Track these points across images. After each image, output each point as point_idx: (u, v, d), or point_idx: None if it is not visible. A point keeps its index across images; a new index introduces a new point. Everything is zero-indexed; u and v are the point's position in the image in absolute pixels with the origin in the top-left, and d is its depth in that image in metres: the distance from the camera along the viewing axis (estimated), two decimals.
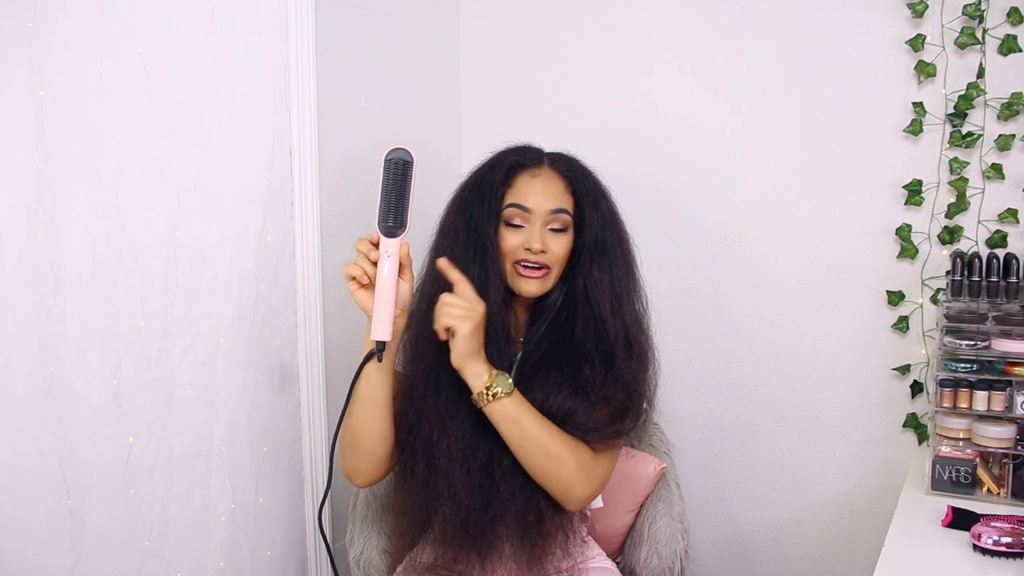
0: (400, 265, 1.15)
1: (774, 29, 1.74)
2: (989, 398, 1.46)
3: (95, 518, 1.18)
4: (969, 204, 1.61)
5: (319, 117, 1.53)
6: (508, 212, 1.26)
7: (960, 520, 1.31)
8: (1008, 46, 1.54)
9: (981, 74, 1.57)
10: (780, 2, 1.73)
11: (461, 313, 1.15)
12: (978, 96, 1.57)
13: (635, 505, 1.54)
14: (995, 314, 1.50)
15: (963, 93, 1.58)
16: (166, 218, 1.26)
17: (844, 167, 1.70)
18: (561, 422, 1.21)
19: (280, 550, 1.51)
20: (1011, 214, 1.57)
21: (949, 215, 1.62)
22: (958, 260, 1.54)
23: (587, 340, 1.24)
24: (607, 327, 1.24)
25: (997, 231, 1.59)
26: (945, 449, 1.48)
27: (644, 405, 1.28)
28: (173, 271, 1.27)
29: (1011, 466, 1.45)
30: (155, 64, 1.22)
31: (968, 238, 1.62)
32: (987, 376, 1.47)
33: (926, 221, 1.65)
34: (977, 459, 1.46)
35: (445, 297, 1.16)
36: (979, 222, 1.61)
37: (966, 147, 1.60)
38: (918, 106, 1.62)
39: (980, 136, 1.58)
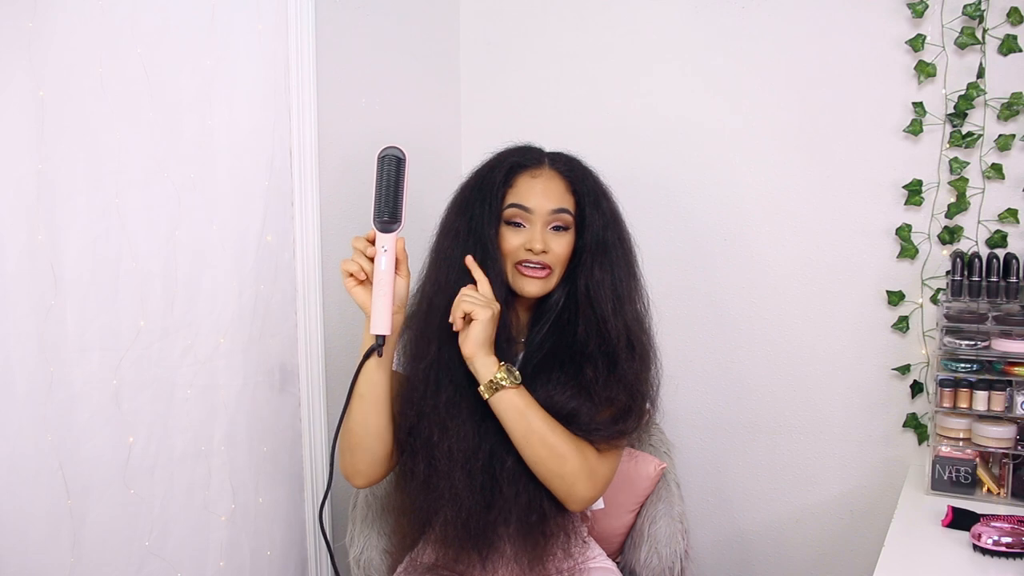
0: (396, 261, 1.16)
1: (774, 29, 1.74)
2: (989, 398, 1.46)
3: (95, 518, 1.18)
4: (969, 204, 1.61)
5: (319, 117, 1.53)
6: (509, 212, 1.26)
7: (960, 520, 1.31)
8: (1008, 46, 1.54)
9: (981, 74, 1.57)
10: (780, 2, 1.73)
11: (482, 302, 1.17)
12: (978, 96, 1.57)
13: (635, 505, 1.54)
14: (995, 314, 1.50)
15: (963, 93, 1.58)
16: (166, 218, 1.26)
17: (844, 167, 1.70)
18: (565, 422, 1.21)
19: (280, 550, 1.51)
20: (1011, 214, 1.57)
21: (949, 215, 1.62)
22: (958, 260, 1.54)
23: (589, 341, 1.24)
24: (609, 327, 1.24)
25: (997, 231, 1.59)
26: (945, 449, 1.48)
27: (647, 405, 1.28)
28: (173, 271, 1.27)
29: (1011, 466, 1.45)
30: (155, 64, 1.22)
31: (968, 238, 1.62)
32: (987, 376, 1.47)
33: (926, 221, 1.65)
34: (977, 459, 1.46)
35: (466, 288, 1.19)
36: (979, 222, 1.61)
37: (966, 147, 1.60)
38: (918, 106, 1.62)
39: (980, 136, 1.58)
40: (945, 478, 1.46)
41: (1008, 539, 1.20)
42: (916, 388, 1.68)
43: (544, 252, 1.24)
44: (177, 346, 1.29)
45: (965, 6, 1.56)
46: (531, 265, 1.25)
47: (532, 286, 1.26)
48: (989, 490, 1.45)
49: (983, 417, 1.48)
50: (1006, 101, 1.56)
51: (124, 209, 1.19)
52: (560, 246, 1.26)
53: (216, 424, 1.36)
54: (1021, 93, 1.54)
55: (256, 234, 1.42)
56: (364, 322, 1.17)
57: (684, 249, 1.86)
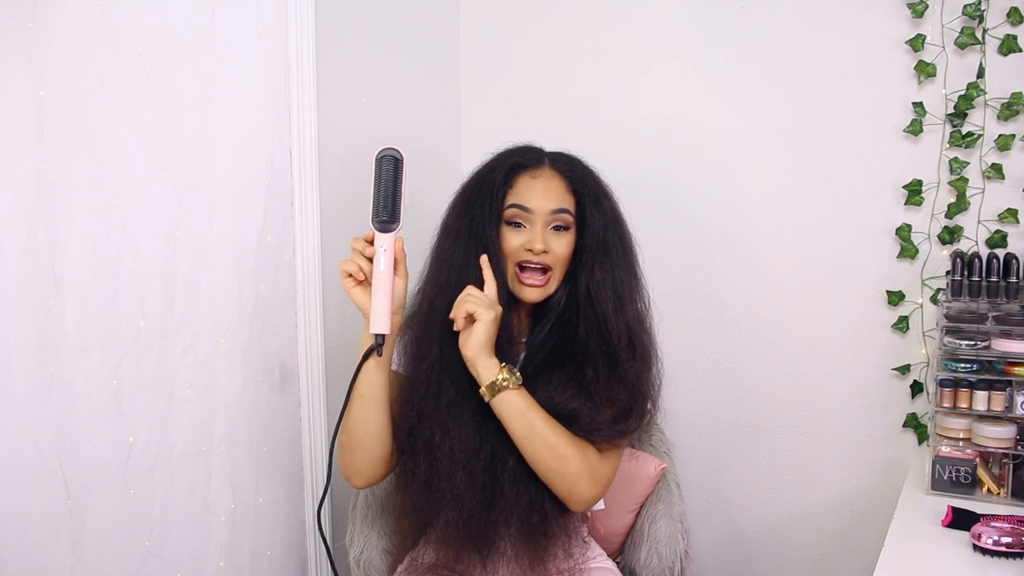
0: (395, 261, 1.16)
1: (774, 29, 1.74)
2: (989, 398, 1.46)
3: (95, 518, 1.18)
4: (969, 204, 1.61)
5: (319, 117, 1.53)
6: (509, 212, 1.26)
7: (960, 520, 1.31)
8: (1008, 46, 1.54)
9: (981, 74, 1.57)
10: (780, 2, 1.73)
11: (486, 303, 1.17)
12: (978, 96, 1.57)
13: (635, 505, 1.54)
14: (995, 314, 1.50)
15: (963, 93, 1.58)
16: (166, 218, 1.26)
17: (844, 167, 1.70)
18: (566, 422, 1.21)
19: (280, 550, 1.51)
20: (1011, 214, 1.57)
21: (949, 215, 1.62)
22: (958, 260, 1.54)
23: (590, 341, 1.24)
24: (610, 327, 1.24)
25: (997, 231, 1.59)
26: (945, 449, 1.48)
27: (648, 405, 1.28)
28: (173, 271, 1.27)
29: (1011, 466, 1.45)
30: (155, 64, 1.22)
31: (968, 238, 1.62)
32: (987, 376, 1.47)
33: (926, 221, 1.65)
34: (977, 459, 1.46)
35: (470, 288, 1.19)
36: (979, 222, 1.61)
37: (966, 147, 1.60)
38: (918, 106, 1.62)
39: (980, 136, 1.58)
40: (945, 478, 1.46)
41: (1008, 539, 1.20)
42: (916, 388, 1.68)
43: (545, 252, 1.24)
44: (177, 346, 1.29)
45: (965, 6, 1.56)
46: (531, 266, 1.25)
47: (532, 294, 1.26)
48: (989, 490, 1.45)
49: (983, 417, 1.48)
50: (1006, 101, 1.56)
51: (124, 209, 1.19)
52: (561, 246, 1.26)
53: (216, 424, 1.36)
54: (1021, 93, 1.54)
55: (256, 234, 1.42)
56: (364, 322, 1.17)
57: (684, 249, 1.86)
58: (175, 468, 1.29)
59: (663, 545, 1.46)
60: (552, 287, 1.28)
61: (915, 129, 1.63)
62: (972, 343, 1.48)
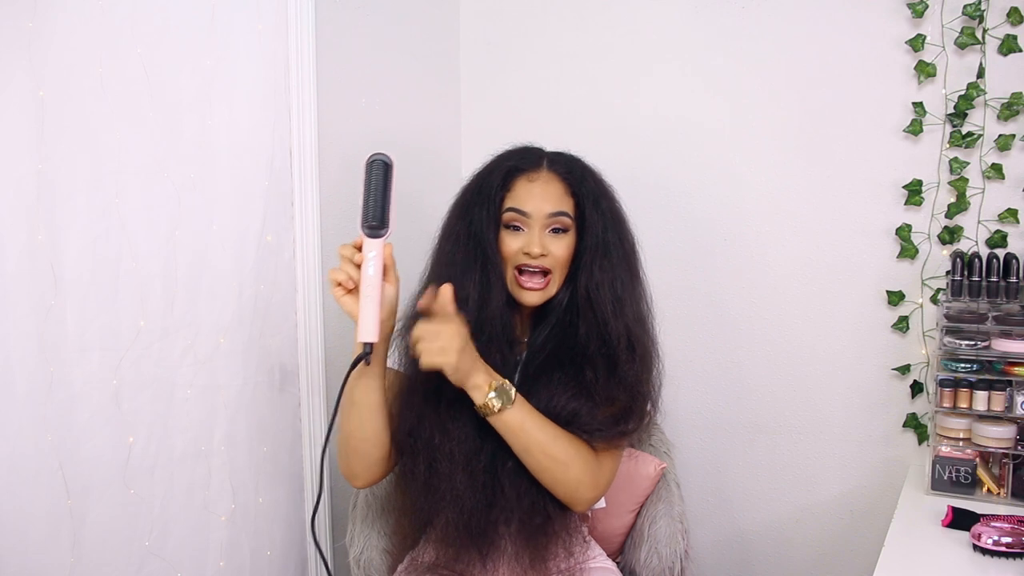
0: (385, 267, 1.13)
1: (774, 29, 1.74)
2: (989, 398, 1.46)
3: (95, 518, 1.18)
4: (969, 204, 1.61)
5: (319, 117, 1.53)
6: (507, 216, 1.26)
7: (960, 520, 1.31)
8: (1008, 46, 1.54)
9: (981, 74, 1.57)
10: (780, 2, 1.73)
11: (438, 347, 1.11)
12: (978, 96, 1.57)
13: (635, 505, 1.54)
14: (995, 314, 1.50)
15: (963, 93, 1.58)
16: (166, 218, 1.26)
17: (844, 167, 1.70)
18: (566, 423, 1.21)
19: (280, 550, 1.51)
20: (1011, 214, 1.57)
21: (949, 215, 1.62)
22: (958, 260, 1.54)
23: (590, 342, 1.24)
24: (610, 329, 1.24)
25: (997, 231, 1.59)
26: (945, 449, 1.48)
27: (648, 406, 1.28)
28: (173, 271, 1.27)
29: (1011, 466, 1.45)
30: (155, 64, 1.22)
31: (968, 238, 1.62)
32: (987, 376, 1.47)
33: (926, 221, 1.65)
34: (977, 459, 1.46)
35: (417, 331, 1.12)
36: (979, 222, 1.61)
37: (966, 147, 1.60)
38: (918, 106, 1.62)
39: (980, 136, 1.58)
40: (945, 478, 1.46)
41: (1008, 539, 1.20)
42: (916, 388, 1.68)
43: (543, 256, 1.24)
44: (177, 346, 1.29)
45: (965, 6, 1.56)
46: (530, 270, 1.25)
47: (531, 297, 1.26)
48: (989, 490, 1.45)
49: (983, 417, 1.47)
50: (1006, 101, 1.56)
51: (124, 209, 1.19)
52: (559, 248, 1.26)
53: (216, 424, 1.36)
54: (1021, 93, 1.54)
55: (256, 234, 1.42)
56: (353, 329, 1.14)
57: (684, 249, 1.86)
58: (175, 468, 1.30)
59: (663, 545, 1.46)
60: (552, 290, 1.27)
61: (915, 129, 1.63)
62: (972, 343, 1.48)
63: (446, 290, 1.16)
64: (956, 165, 1.60)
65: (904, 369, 1.69)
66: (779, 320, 1.79)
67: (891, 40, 1.64)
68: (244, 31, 1.38)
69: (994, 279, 1.51)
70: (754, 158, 1.78)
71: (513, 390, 1.17)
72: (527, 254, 1.24)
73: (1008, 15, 1.54)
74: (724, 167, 1.80)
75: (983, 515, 1.31)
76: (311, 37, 1.51)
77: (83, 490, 1.16)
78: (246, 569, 1.43)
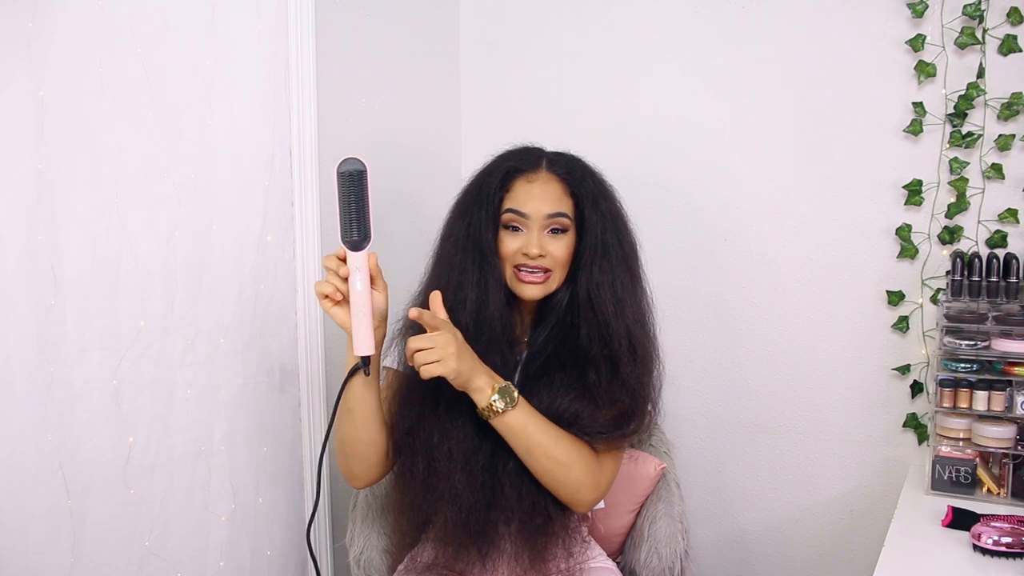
0: (371, 277, 1.12)
1: (774, 29, 1.74)
2: (989, 398, 1.46)
3: (95, 518, 1.18)
4: (969, 204, 1.61)
5: (319, 117, 1.53)
6: (506, 217, 1.26)
7: (960, 520, 1.31)
8: (1008, 46, 1.54)
9: (981, 74, 1.57)
10: (780, 2, 1.73)
11: (435, 356, 1.10)
12: (978, 96, 1.57)
13: (635, 505, 1.54)
14: (995, 314, 1.50)
15: (963, 93, 1.58)
16: (166, 218, 1.26)
17: (844, 167, 1.70)
18: (567, 425, 1.21)
19: (280, 550, 1.51)
20: (1011, 214, 1.57)
21: (949, 215, 1.62)
22: (958, 260, 1.54)
23: (592, 344, 1.24)
24: (611, 330, 1.24)
25: (997, 231, 1.59)
26: (945, 449, 1.48)
27: (648, 407, 1.28)
28: (173, 271, 1.27)
29: (1011, 466, 1.45)
30: (155, 64, 1.22)
31: (968, 238, 1.62)
32: (987, 376, 1.47)
33: (926, 221, 1.65)
34: (977, 459, 1.46)
35: (411, 344, 1.12)
36: (979, 222, 1.61)
37: (966, 147, 1.60)
38: (918, 106, 1.62)
39: (980, 136, 1.58)
40: (945, 478, 1.46)
41: (1008, 539, 1.20)
42: (916, 388, 1.68)
43: (541, 256, 1.24)
44: (177, 346, 1.29)
45: (965, 6, 1.56)
46: (529, 269, 1.25)
47: (531, 291, 1.26)
48: (989, 490, 1.45)
49: (983, 417, 1.47)
50: (1006, 101, 1.55)
51: (124, 209, 1.19)
52: (559, 249, 1.26)
53: (216, 424, 1.36)
54: (1021, 93, 1.54)
55: (256, 234, 1.42)
56: (346, 338, 1.15)
57: (684, 249, 1.86)
58: (175, 468, 1.30)
59: (663, 545, 1.46)
60: (553, 285, 1.27)
61: (915, 129, 1.63)
62: (972, 343, 1.48)
63: (435, 298, 1.16)
64: (956, 165, 1.60)
65: (904, 369, 1.69)
66: (779, 320, 1.79)
67: (891, 40, 1.64)
68: (244, 31, 1.38)
69: (994, 279, 1.51)
70: (754, 158, 1.78)
71: (516, 392, 1.17)
72: (525, 254, 1.24)
73: (1008, 15, 1.54)
74: (724, 167, 1.80)
75: (983, 515, 1.31)
76: (311, 37, 1.51)
77: (83, 490, 1.16)
78: (246, 569, 1.43)
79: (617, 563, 1.47)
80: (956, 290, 1.54)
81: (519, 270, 1.26)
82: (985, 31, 1.56)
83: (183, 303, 1.29)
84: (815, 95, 1.71)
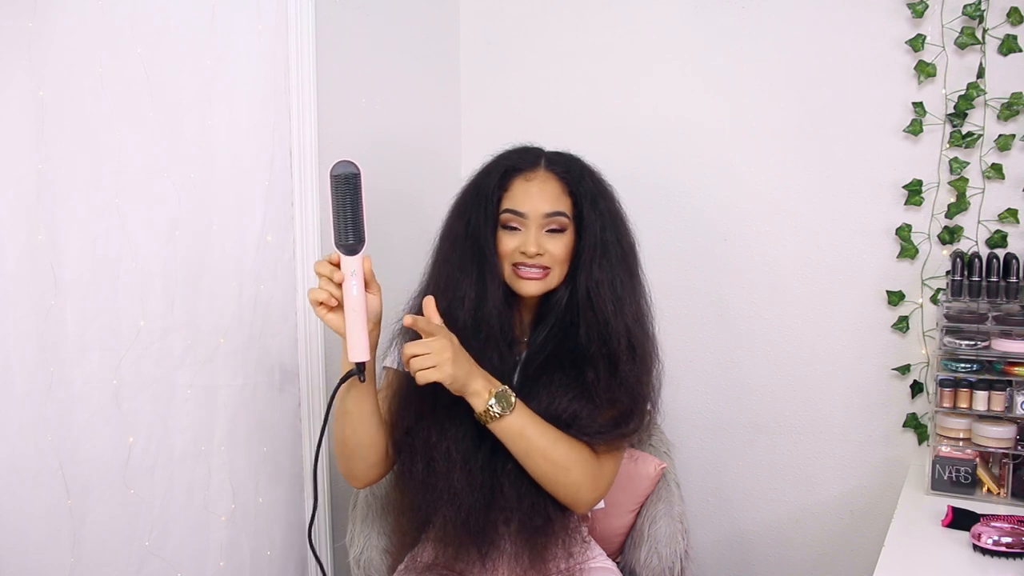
0: (365, 281, 1.11)
1: (774, 29, 1.74)
2: (989, 398, 1.46)
3: (95, 518, 1.18)
4: (969, 204, 1.61)
5: (319, 117, 1.53)
6: (504, 216, 1.26)
7: (960, 520, 1.31)
8: (1008, 46, 1.54)
9: (981, 74, 1.57)
10: (780, 2, 1.73)
11: (431, 362, 1.10)
12: (978, 96, 1.57)
13: (635, 505, 1.54)
14: (995, 314, 1.50)
15: (963, 93, 1.58)
16: (166, 218, 1.26)
17: (844, 167, 1.70)
18: (566, 426, 1.21)
19: (280, 550, 1.51)
20: (1011, 214, 1.57)
21: (949, 215, 1.62)
22: (958, 260, 1.54)
23: (591, 343, 1.24)
24: (610, 329, 1.24)
25: (997, 231, 1.59)
26: (945, 449, 1.48)
27: (648, 407, 1.28)
28: (173, 271, 1.27)
29: (1011, 466, 1.45)
30: (155, 64, 1.22)
31: (968, 238, 1.62)
32: (987, 376, 1.47)
33: (926, 221, 1.65)
34: (977, 459, 1.46)
35: (407, 350, 1.11)
36: (979, 222, 1.61)
37: (966, 147, 1.60)
38: (918, 106, 1.62)
39: (980, 136, 1.58)
40: (945, 478, 1.46)
41: (1008, 539, 1.20)
42: (916, 388, 1.68)
43: (539, 255, 1.24)
44: (177, 346, 1.29)
45: (965, 6, 1.56)
46: (527, 266, 1.26)
47: (530, 287, 1.26)
48: (989, 490, 1.45)
49: (983, 417, 1.47)
50: (1006, 101, 1.55)
51: (124, 209, 1.19)
52: (557, 247, 1.26)
53: (216, 424, 1.36)
54: (1021, 93, 1.54)
55: (256, 234, 1.42)
56: (340, 343, 1.14)
57: (684, 249, 1.86)
58: (175, 468, 1.29)
59: (663, 545, 1.46)
60: (553, 282, 1.27)
61: (915, 129, 1.63)
62: (972, 343, 1.48)
63: (428, 302, 1.15)
64: (956, 165, 1.60)
65: (904, 369, 1.69)
66: (779, 320, 1.79)
67: (891, 40, 1.64)
68: (244, 31, 1.38)
69: (994, 279, 1.51)
70: (754, 158, 1.78)
71: (513, 396, 1.17)
72: (523, 253, 1.24)
73: (1008, 15, 1.54)
74: (724, 167, 1.80)
75: (983, 515, 1.31)
76: (311, 37, 1.51)
77: (83, 490, 1.16)
78: (246, 569, 1.43)
79: (617, 563, 1.47)
80: (956, 290, 1.54)
81: (518, 267, 1.26)
82: (985, 31, 1.56)
83: (183, 303, 1.29)
84: (815, 95, 1.71)
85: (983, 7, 1.55)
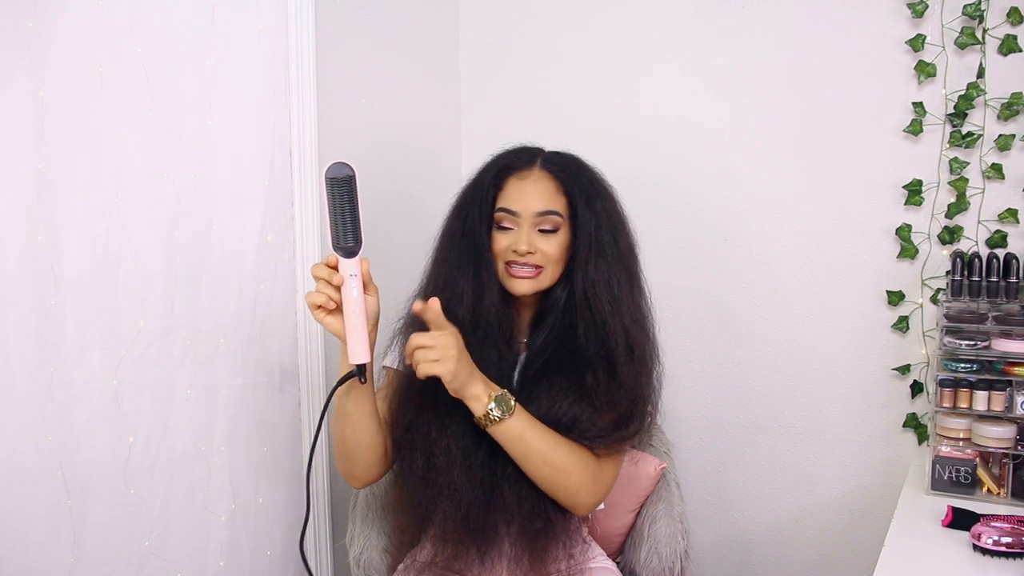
0: (363, 283, 1.10)
1: (774, 29, 1.74)
2: (989, 398, 1.46)
3: (95, 518, 1.18)
4: (969, 204, 1.61)
5: (319, 117, 1.53)
6: (498, 215, 1.27)
7: (960, 520, 1.31)
8: (1008, 46, 1.54)
9: (981, 74, 1.57)
10: (780, 2, 1.73)
11: (435, 356, 1.10)
12: (978, 96, 1.57)
13: (635, 505, 1.54)
14: (995, 314, 1.50)
15: (963, 93, 1.58)
16: (166, 218, 1.26)
17: (844, 167, 1.70)
18: (566, 428, 1.21)
19: (280, 550, 1.51)
20: (1011, 214, 1.57)
21: (949, 215, 1.62)
22: (958, 260, 1.54)
23: (590, 345, 1.24)
24: (608, 330, 1.24)
25: (997, 231, 1.59)
26: (945, 449, 1.48)
27: (648, 409, 1.28)
28: (173, 271, 1.27)
29: (1011, 466, 1.45)
30: (155, 64, 1.22)
31: (968, 238, 1.62)
32: (987, 376, 1.47)
33: (926, 221, 1.65)
34: (977, 459, 1.46)
35: (413, 340, 1.11)
36: (979, 222, 1.61)
37: (966, 147, 1.60)
38: (918, 106, 1.62)
39: (980, 136, 1.58)
40: (945, 478, 1.46)
41: (1008, 539, 1.20)
42: (916, 388, 1.68)
43: (531, 253, 1.24)
44: (177, 346, 1.29)
45: (965, 6, 1.56)
46: (519, 265, 1.26)
47: (521, 286, 1.26)
48: (989, 490, 1.45)
49: (983, 417, 1.48)
50: (1006, 101, 1.56)
51: (124, 209, 1.19)
52: (550, 247, 1.26)
53: (216, 424, 1.36)
54: (1021, 93, 1.54)
55: (256, 234, 1.42)
56: (341, 345, 1.14)
57: (684, 249, 1.86)
58: (175, 468, 1.29)
59: (663, 545, 1.46)
60: (545, 282, 1.27)
61: (915, 129, 1.63)
62: (972, 343, 1.48)
63: (434, 304, 1.15)
64: (956, 165, 1.60)
65: (904, 369, 1.69)
66: (779, 320, 1.79)
67: (891, 40, 1.64)
68: (244, 31, 1.38)
69: (994, 279, 1.51)
70: (754, 158, 1.78)
71: (512, 400, 1.17)
72: (515, 251, 1.24)
73: (1008, 15, 1.54)
74: (724, 167, 1.80)
75: (983, 515, 1.31)
76: (311, 37, 1.51)
77: (83, 490, 1.16)
78: (246, 569, 1.43)
79: (617, 563, 1.47)
80: (956, 290, 1.54)
81: (510, 266, 1.26)
82: (985, 31, 1.56)
83: (183, 303, 1.29)
84: (815, 95, 1.71)
85: (983, 7, 1.55)
